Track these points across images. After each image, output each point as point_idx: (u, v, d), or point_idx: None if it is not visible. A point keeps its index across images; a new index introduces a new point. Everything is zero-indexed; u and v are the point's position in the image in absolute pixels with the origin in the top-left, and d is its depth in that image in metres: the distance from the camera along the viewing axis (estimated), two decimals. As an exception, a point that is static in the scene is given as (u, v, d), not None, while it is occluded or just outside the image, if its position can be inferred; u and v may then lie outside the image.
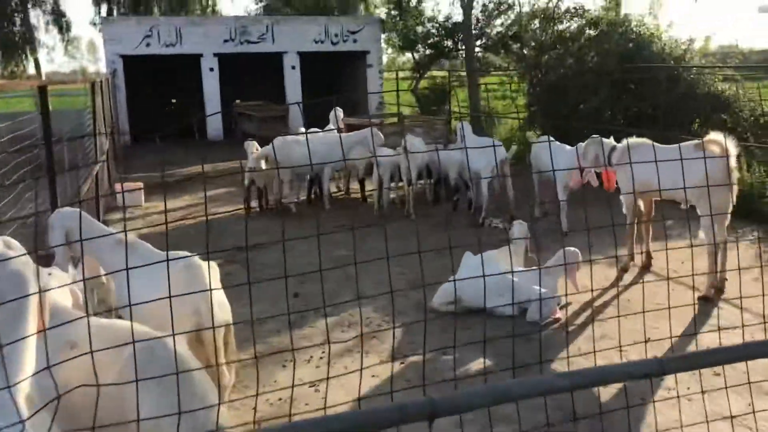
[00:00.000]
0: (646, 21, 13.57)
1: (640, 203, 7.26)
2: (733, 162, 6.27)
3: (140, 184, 11.73)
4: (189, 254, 3.93)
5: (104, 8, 32.62)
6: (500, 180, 9.39)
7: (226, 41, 21.32)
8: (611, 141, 7.57)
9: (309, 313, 6.22)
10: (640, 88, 12.88)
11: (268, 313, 6.22)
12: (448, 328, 5.75)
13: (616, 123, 13.17)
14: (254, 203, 10.94)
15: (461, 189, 10.50)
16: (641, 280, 7.02)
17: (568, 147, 8.70)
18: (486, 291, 5.98)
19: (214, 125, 21.55)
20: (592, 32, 14.36)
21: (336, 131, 11.96)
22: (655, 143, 7.08)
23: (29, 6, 32.00)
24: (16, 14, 32.12)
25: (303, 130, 12.07)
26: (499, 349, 5.41)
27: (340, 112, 12.44)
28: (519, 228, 6.85)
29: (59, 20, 34.20)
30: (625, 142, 7.20)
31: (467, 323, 5.87)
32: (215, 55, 21.26)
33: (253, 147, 10.66)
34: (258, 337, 5.69)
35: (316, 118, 20.06)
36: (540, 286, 6.18)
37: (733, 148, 6.21)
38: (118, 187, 11.60)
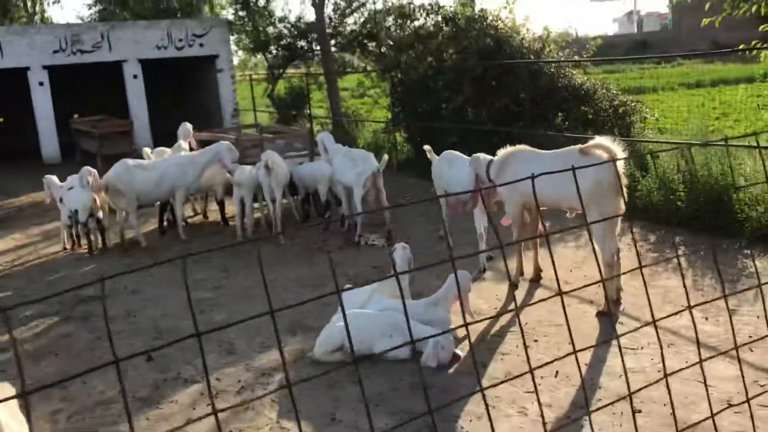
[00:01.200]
0: (503, 16, 13.35)
1: (526, 214, 6.78)
2: (621, 166, 5.89)
3: (-47, 227, 9.96)
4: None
5: None
6: (374, 193, 8.66)
7: (56, 52, 19.19)
8: (485, 155, 7.09)
9: (165, 383, 5.16)
10: (503, 85, 12.64)
11: (115, 386, 5.12)
12: (336, 384, 4.92)
13: (481, 121, 12.89)
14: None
15: (332, 205, 9.69)
16: (534, 297, 6.54)
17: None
18: (373, 333, 5.24)
19: (50, 146, 19.36)
20: (448, 29, 13.99)
21: (185, 149, 10.74)
22: (536, 149, 6.63)
23: None
24: None
25: (148, 150, 10.80)
26: (396, 404, 4.66)
27: (188, 126, 11.20)
28: (402, 253, 6.13)
29: None
30: (501, 152, 6.70)
31: (357, 374, 5.06)
32: (44, 67, 19.06)
33: (88, 175, 9.16)
34: (103, 424, 4.58)
35: (165, 133, 18.61)
36: (429, 320, 5.52)
37: (620, 152, 5.82)
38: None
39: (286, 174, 9.22)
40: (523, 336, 4.56)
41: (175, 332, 6.15)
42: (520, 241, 6.79)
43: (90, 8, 32.31)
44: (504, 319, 6.04)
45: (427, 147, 8.34)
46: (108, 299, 7.21)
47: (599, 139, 5.95)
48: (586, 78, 12.60)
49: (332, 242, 8.95)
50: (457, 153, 7.67)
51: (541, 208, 6.80)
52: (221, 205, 10.24)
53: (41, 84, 19.07)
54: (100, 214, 8.97)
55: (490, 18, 13.32)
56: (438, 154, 8.75)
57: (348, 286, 6.14)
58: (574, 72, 12.47)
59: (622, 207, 6.00)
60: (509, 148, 6.72)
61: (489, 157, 7.03)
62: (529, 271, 6.98)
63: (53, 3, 33.89)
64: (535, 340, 5.50)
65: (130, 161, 9.43)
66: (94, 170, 8.96)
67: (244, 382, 5.09)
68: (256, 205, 9.59)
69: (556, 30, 13.93)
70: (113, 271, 8.24)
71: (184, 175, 9.32)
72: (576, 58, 12.92)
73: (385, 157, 8.69)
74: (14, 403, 2.80)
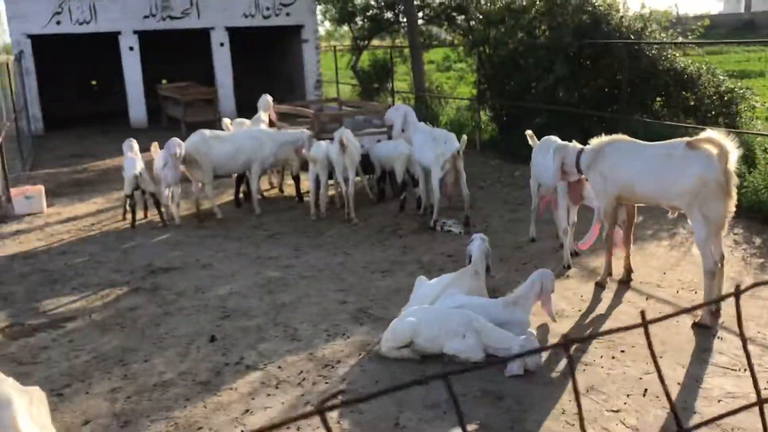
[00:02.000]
0: (602, -9, 12.49)
1: (620, 210, 6.22)
2: (733, 164, 5.27)
3: (40, 188, 10.15)
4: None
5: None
6: (453, 175, 8.21)
7: (146, 17, 19.46)
8: (575, 144, 6.53)
9: (227, 368, 4.97)
10: (598, 65, 11.88)
11: (176, 367, 4.98)
12: (399, 382, 4.60)
13: (573, 103, 12.18)
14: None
15: (408, 186, 9.32)
16: (623, 301, 6.00)
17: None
18: (445, 331, 4.88)
19: (138, 110, 19.74)
20: (542, 4, 13.24)
21: (264, 121, 10.58)
22: (636, 140, 6.05)
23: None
24: None
25: (228, 120, 10.70)
26: (466, 412, 4.29)
27: (268, 98, 11.02)
28: (480, 245, 5.72)
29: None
30: (595, 141, 6.15)
31: (425, 375, 4.72)
32: (135, 32, 19.38)
33: (133, 145, 9.19)
34: (160, 409, 4.43)
35: (247, 102, 18.63)
36: (506, 321, 5.11)
37: (733, 149, 5.20)
38: (13, 192, 9.98)
39: (359, 152, 8.88)
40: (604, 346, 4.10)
41: (241, 313, 5.97)
42: (610, 237, 6.25)
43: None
44: (589, 323, 5.56)
45: (528, 132, 7.81)
46: (178, 272, 7.12)
47: (709, 133, 5.34)
48: (690, 61, 11.67)
49: (406, 225, 8.61)
50: (556, 139, 7.11)
51: (638, 204, 6.26)
52: (296, 180, 10.05)
53: (131, 49, 19.41)
54: (151, 187, 8.92)
55: (589, -7, 12.50)
56: (523, 136, 8.23)
57: (421, 277, 5.79)
58: (677, 54, 11.57)
59: (731, 210, 5.39)
60: (605, 137, 6.16)
61: (579, 145, 6.48)
62: (618, 271, 6.44)
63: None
64: (622, 351, 5.01)
65: (207, 132, 9.34)
66: (181, 142, 8.88)
67: (306, 373, 4.84)
68: (330, 182, 9.34)
69: (658, 8, 12.98)
70: (187, 242, 8.20)
71: (260, 149, 9.18)
72: (680, 39, 11.98)
73: (464, 138, 8.21)
74: (46, 411, 2.59)
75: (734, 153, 5.20)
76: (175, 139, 8.62)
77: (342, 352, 5.13)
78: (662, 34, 11.94)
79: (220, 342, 5.40)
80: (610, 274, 6.38)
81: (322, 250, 7.72)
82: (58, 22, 18.65)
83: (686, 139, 5.55)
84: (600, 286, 6.31)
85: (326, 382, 4.70)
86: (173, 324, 5.79)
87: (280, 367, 4.94)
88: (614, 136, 6.14)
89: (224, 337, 5.49)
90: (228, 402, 4.50)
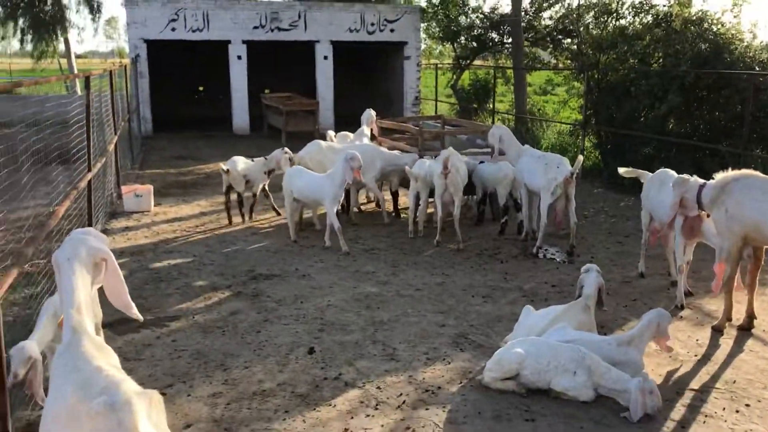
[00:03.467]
0: (725, 19, 11.93)
1: (745, 250, 5.81)
2: None
3: (149, 187, 10.52)
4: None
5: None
6: (563, 201, 7.94)
7: (255, 28, 20.05)
8: (696, 178, 6.16)
9: (326, 382, 4.90)
10: (717, 96, 11.29)
11: (275, 377, 4.95)
12: (504, 417, 4.40)
13: (685, 135, 11.63)
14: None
15: (510, 209, 9.08)
16: (745, 349, 5.58)
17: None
18: (553, 366, 4.64)
19: (241, 117, 20.33)
20: (659, 30, 12.75)
21: (367, 135, 10.62)
22: (765, 176, 5.65)
23: (61, -14, 31.11)
24: (47, -7, 31.33)
25: (332, 133, 10.80)
26: (573, 456, 4.05)
27: (372, 112, 11.06)
28: (594, 278, 5.45)
29: (90, 1, 33.31)
30: (720, 176, 5.78)
31: (531, 411, 4.50)
32: (244, 42, 20.00)
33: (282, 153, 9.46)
34: (259, 419, 4.40)
35: (346, 114, 18.85)
36: (619, 361, 4.82)
37: None
38: (124, 190, 10.39)
39: (465, 177, 8.65)
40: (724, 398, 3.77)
41: (338, 326, 5.92)
42: (732, 279, 5.84)
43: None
44: (706, 371, 5.19)
45: (624, 171, 7.47)
46: (278, 280, 7.16)
47: None
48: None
49: (506, 250, 8.38)
50: (673, 173, 6.74)
51: (761, 245, 5.83)
52: (395, 195, 10.01)
53: (239, 57, 20.02)
54: (241, 187, 9.39)
55: (710, 21, 11.97)
56: (629, 166, 7.86)
57: (528, 306, 5.57)
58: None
59: None
60: (731, 172, 5.78)
61: (700, 180, 6.11)
62: (738, 316, 6.01)
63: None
64: (747, 404, 4.63)
65: (323, 142, 9.55)
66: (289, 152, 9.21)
67: (406, 396, 4.71)
68: (431, 199, 9.22)
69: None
70: (286, 251, 8.26)
71: (371, 164, 9.23)
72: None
73: (580, 158, 7.92)
74: (163, 415, 2.56)
75: None
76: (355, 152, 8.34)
77: (442, 378, 4.98)
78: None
79: (318, 354, 5.35)
80: (729, 318, 5.96)
81: (419, 268, 7.60)
82: (173, 29, 19.46)
83: None
84: (717, 331, 5.90)
85: (426, 408, 4.55)
86: (273, 332, 5.79)
87: (379, 387, 4.83)
88: (743, 171, 5.77)
89: (322, 350, 5.44)
90: (327, 419, 4.42)
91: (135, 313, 3.41)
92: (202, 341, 5.61)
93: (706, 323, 6.08)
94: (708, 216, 6.06)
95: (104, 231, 9.04)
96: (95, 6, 33.04)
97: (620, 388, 4.51)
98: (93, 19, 33.62)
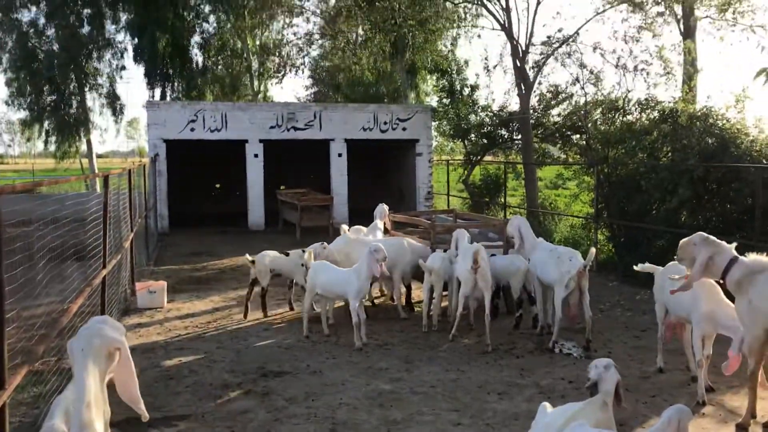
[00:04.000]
0: (730, 115, 12.16)
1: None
2: None
3: (163, 283, 10.57)
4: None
5: (158, 92, 32.93)
6: (577, 295, 7.87)
7: (272, 127, 20.65)
8: (732, 247, 5.94)
9: (337, 485, 4.74)
10: (726, 189, 11.36)
11: (285, 480, 4.78)
12: None
13: (697, 227, 11.62)
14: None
15: (524, 303, 9.01)
16: (771, 449, 5.37)
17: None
18: (573, 468, 4.47)
19: (256, 213, 20.64)
20: (666, 126, 13.01)
21: (380, 229, 10.74)
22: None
23: (86, 90, 32.41)
24: (73, 97, 32.62)
25: (346, 227, 10.90)
26: None
27: (385, 207, 11.21)
28: (611, 375, 5.32)
29: (113, 103, 34.60)
30: (753, 258, 5.68)
31: None
32: (260, 141, 20.57)
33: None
34: None
35: (360, 209, 19.09)
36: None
37: None
38: (138, 286, 10.45)
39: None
40: None
41: (351, 425, 5.78)
42: (755, 375, 5.69)
43: (307, 89, 34.94)
44: (732, 473, 4.98)
45: (640, 267, 7.37)
46: (289, 377, 7.06)
47: None
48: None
49: (522, 345, 8.25)
50: (683, 267, 6.67)
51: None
52: (408, 288, 9.98)
53: (256, 156, 20.53)
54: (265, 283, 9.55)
55: (715, 116, 12.21)
56: (643, 258, 7.80)
57: (545, 403, 5.43)
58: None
59: None
60: (763, 259, 5.65)
61: (734, 252, 5.91)
62: (763, 413, 5.81)
63: (276, 84, 37.03)
64: None
65: (351, 235, 9.67)
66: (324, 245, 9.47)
67: (419, 500, 4.53)
68: (444, 293, 9.18)
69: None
70: (298, 346, 8.18)
71: (401, 257, 9.41)
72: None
73: (593, 250, 7.92)
74: None
75: None
76: (379, 244, 8.41)
77: (458, 480, 4.81)
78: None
79: (329, 455, 5.20)
80: (753, 416, 5.77)
81: (434, 364, 7.48)
82: (192, 129, 20.09)
83: None
84: (742, 429, 5.70)
85: None
86: (284, 431, 5.66)
87: (391, 489, 4.67)
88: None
89: (334, 450, 5.29)
90: None
91: (142, 409, 3.37)
92: (210, 441, 5.49)
93: (729, 420, 5.89)
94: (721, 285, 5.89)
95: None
96: (118, 108, 34.25)
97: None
98: (115, 121, 34.80)
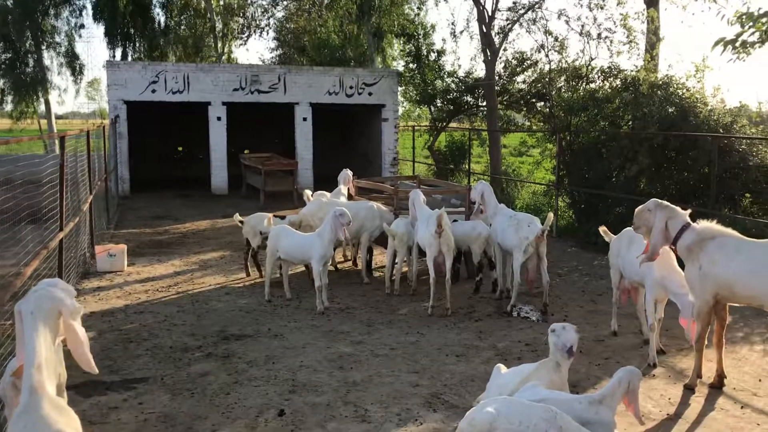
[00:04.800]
0: (690, 84, 12.35)
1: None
2: None
3: (123, 247, 10.45)
4: None
5: (119, 52, 32.09)
6: (535, 260, 8.00)
7: (235, 90, 20.35)
8: (685, 214, 5.99)
9: (295, 445, 4.82)
10: (684, 158, 11.58)
11: (244, 440, 4.85)
12: (476, 480, 4.33)
13: (655, 195, 11.86)
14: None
15: (484, 268, 9.13)
16: (715, 407, 5.58)
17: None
18: (525, 427, 4.59)
19: (219, 177, 20.42)
20: (628, 94, 13.15)
21: (344, 194, 10.74)
22: (743, 237, 5.72)
23: (43, 48, 31.44)
24: (29, 56, 31.62)
25: (309, 192, 10.87)
26: None
27: (349, 172, 11.20)
28: (568, 335, 5.44)
29: (73, 63, 33.66)
30: (703, 226, 5.80)
31: (501, 472, 4.43)
32: (224, 103, 20.27)
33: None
34: (225, 483, 4.30)
35: (324, 174, 19.02)
36: (590, 420, 4.80)
37: None
38: (98, 249, 10.31)
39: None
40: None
41: (310, 387, 5.84)
42: (703, 338, 5.88)
43: (271, 51, 34.41)
44: (677, 429, 5.17)
45: (602, 228, 7.52)
46: (250, 340, 7.09)
47: None
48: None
49: (481, 309, 8.39)
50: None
51: (732, 303, 5.90)
52: (369, 253, 10.03)
53: (219, 119, 20.24)
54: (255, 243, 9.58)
55: (676, 86, 12.38)
56: (603, 225, 7.93)
57: (500, 365, 5.55)
58: (768, 151, 11.20)
59: None
60: (713, 226, 5.78)
61: (688, 218, 5.97)
62: (709, 374, 6.03)
63: (240, 45, 36.46)
64: (719, 467, 4.61)
65: (324, 199, 9.77)
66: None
67: (376, 459, 4.63)
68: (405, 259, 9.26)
69: (748, 104, 12.68)
70: (260, 310, 8.20)
71: (372, 220, 9.51)
72: (773, 135, 11.61)
73: (550, 215, 8.01)
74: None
75: None
76: (343, 209, 8.34)
77: (415, 439, 4.91)
78: (752, 130, 11.62)
79: (288, 417, 5.26)
80: (700, 376, 5.98)
81: (394, 327, 7.58)
82: (154, 91, 19.69)
83: None
84: (689, 389, 5.91)
85: (397, 470, 4.48)
86: (243, 394, 5.70)
87: (349, 449, 4.76)
88: (721, 230, 5.78)
89: (293, 412, 5.35)
90: (294, 482, 4.33)
91: (92, 366, 3.33)
92: (169, 404, 5.50)
93: (678, 381, 6.09)
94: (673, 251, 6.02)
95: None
96: (77, 68, 33.33)
97: (591, 448, 4.47)
98: (75, 81, 33.87)
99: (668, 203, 6.11)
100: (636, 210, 6.27)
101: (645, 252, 6.11)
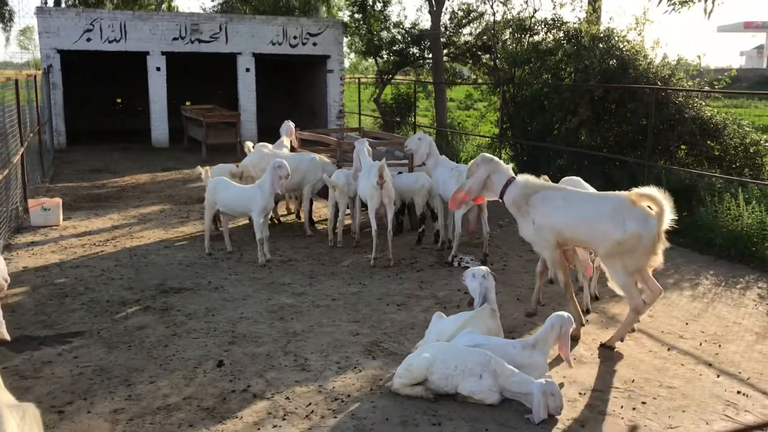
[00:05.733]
0: (630, 37, 12.49)
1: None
2: (666, 224, 5.37)
3: (58, 200, 10.14)
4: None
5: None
6: (476, 211, 8.10)
7: (175, 39, 19.69)
8: (509, 168, 6.33)
9: (233, 395, 4.82)
10: (623, 110, 11.80)
11: (181, 391, 4.84)
12: (411, 422, 4.43)
13: (595, 147, 12.10)
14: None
15: (427, 219, 9.20)
16: (645, 348, 5.81)
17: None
18: (461, 371, 4.71)
19: (160, 130, 19.88)
20: (569, 46, 13.25)
21: (287, 146, 10.60)
22: (562, 187, 6.03)
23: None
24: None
25: (250, 144, 10.69)
26: (478, 458, 4.11)
27: (291, 124, 11.03)
28: (491, 283, 5.55)
29: (1, 9, 32.07)
30: (523, 180, 6.02)
31: (438, 415, 4.55)
32: (163, 53, 19.61)
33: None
34: (162, 433, 4.29)
35: (269, 127, 18.72)
36: (524, 363, 4.94)
37: (669, 209, 5.31)
38: (31, 203, 9.98)
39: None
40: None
41: (250, 338, 5.84)
42: (569, 285, 6.08)
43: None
44: (607, 371, 5.37)
45: (544, 177, 7.64)
46: (189, 293, 7.02)
47: (651, 190, 5.38)
48: (716, 111, 11.57)
49: (423, 259, 8.48)
50: (579, 180, 6.99)
51: (569, 247, 6.14)
52: (310, 204, 9.97)
53: (158, 69, 19.61)
54: None
55: (617, 38, 12.51)
56: (543, 176, 8.05)
57: (439, 312, 5.63)
58: (703, 104, 11.48)
59: (656, 264, 5.56)
60: (535, 181, 6.02)
61: (512, 172, 6.22)
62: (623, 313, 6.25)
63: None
64: (643, 402, 4.82)
65: (266, 150, 9.57)
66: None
67: (315, 406, 4.68)
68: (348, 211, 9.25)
69: (686, 57, 12.93)
70: (200, 263, 8.11)
71: (314, 172, 9.39)
72: (707, 88, 11.89)
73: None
74: (39, 429, 2.46)
75: (670, 215, 5.31)
76: (282, 160, 8.19)
77: (353, 386, 4.97)
78: (689, 83, 11.88)
79: (227, 367, 5.26)
80: (582, 324, 6.19)
81: (336, 278, 7.60)
82: (89, 39, 18.90)
83: (628, 193, 5.50)
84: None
85: (335, 417, 4.54)
86: (181, 346, 5.66)
87: (288, 397, 4.79)
88: (543, 184, 5.99)
89: (232, 362, 5.35)
90: (232, 431, 4.35)
91: (2, 331, 3.24)
92: (105, 357, 5.43)
93: (610, 326, 6.31)
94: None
95: (7, 246, 8.67)
96: (6, 15, 31.80)
97: (524, 390, 4.61)
98: (4, 29, 32.34)
99: (496, 158, 6.33)
100: (469, 162, 6.49)
101: (457, 191, 6.34)
